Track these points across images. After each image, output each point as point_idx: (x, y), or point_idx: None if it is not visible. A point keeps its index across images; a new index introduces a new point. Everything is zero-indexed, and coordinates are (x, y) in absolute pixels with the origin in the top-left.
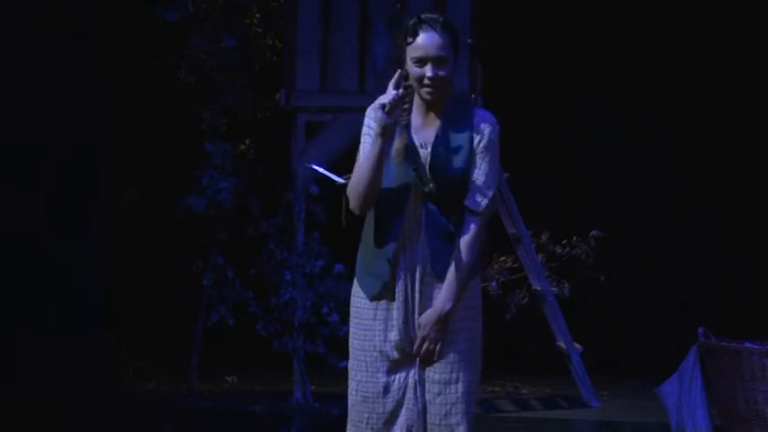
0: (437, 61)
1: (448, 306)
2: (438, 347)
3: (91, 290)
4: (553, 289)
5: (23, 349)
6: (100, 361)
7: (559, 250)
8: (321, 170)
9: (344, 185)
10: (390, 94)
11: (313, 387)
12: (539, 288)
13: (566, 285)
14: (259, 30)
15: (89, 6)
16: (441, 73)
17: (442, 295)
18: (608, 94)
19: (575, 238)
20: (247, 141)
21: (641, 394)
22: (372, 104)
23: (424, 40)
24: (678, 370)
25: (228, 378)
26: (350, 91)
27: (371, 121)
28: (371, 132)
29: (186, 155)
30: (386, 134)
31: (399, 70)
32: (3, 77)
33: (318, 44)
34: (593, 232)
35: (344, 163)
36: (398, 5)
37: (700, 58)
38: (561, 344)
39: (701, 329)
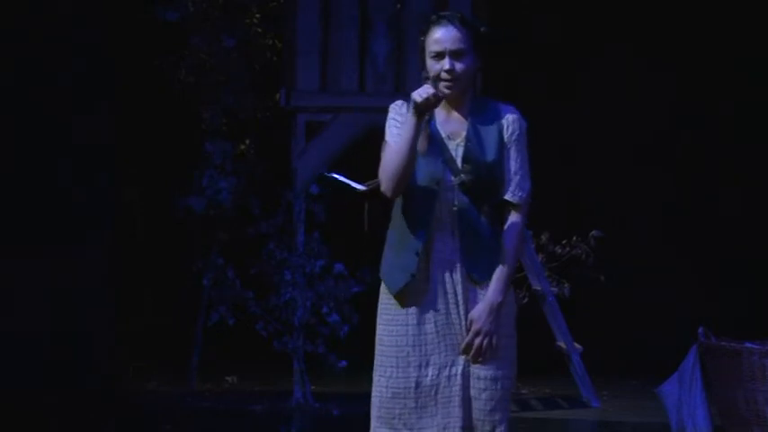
0: (454, 54)
1: (500, 298)
2: (494, 341)
3: (91, 289)
4: (553, 289)
5: (24, 349)
6: (100, 361)
7: (559, 250)
8: (341, 178)
9: (365, 192)
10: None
11: (313, 387)
12: (539, 288)
13: (566, 285)
14: (259, 30)
15: (89, 6)
16: (458, 65)
17: (492, 288)
18: (609, 94)
19: (575, 238)
20: (247, 141)
21: (641, 394)
22: (397, 101)
23: (441, 34)
24: (678, 370)
25: (228, 378)
26: (350, 91)
27: (397, 114)
28: (397, 123)
29: (186, 155)
30: (423, 114)
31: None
32: (3, 77)
33: (318, 44)
34: (593, 232)
35: (344, 163)
36: (398, 5)
37: (700, 57)
38: (561, 344)
39: (700, 329)
